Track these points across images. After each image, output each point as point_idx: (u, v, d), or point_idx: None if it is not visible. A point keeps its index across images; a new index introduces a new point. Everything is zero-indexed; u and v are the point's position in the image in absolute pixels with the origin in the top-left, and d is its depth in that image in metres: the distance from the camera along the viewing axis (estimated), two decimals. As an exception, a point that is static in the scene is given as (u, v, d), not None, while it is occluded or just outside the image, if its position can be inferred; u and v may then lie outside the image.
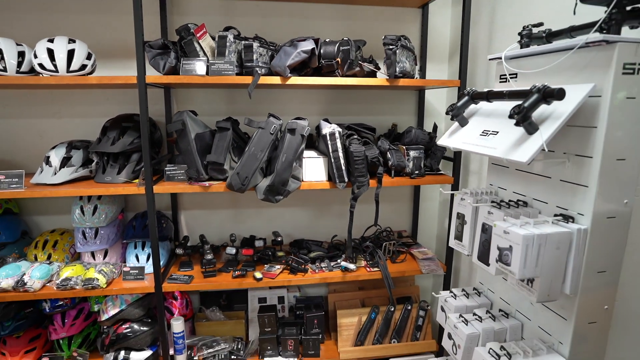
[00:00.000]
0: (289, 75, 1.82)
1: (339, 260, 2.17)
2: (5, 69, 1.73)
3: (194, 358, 2.12)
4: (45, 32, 2.09)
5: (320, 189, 2.04)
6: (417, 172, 2.03)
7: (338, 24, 2.34)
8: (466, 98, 1.50)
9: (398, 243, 2.32)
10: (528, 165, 1.42)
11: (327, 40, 1.91)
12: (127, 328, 2.04)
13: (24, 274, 1.91)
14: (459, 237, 1.60)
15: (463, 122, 1.52)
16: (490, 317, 1.53)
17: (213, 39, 1.89)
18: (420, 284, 2.58)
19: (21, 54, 1.79)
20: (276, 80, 1.82)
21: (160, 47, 1.82)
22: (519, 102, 1.17)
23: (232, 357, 2.15)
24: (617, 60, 1.09)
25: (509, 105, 1.30)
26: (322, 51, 1.86)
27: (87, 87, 2.20)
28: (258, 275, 2.03)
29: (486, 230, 1.40)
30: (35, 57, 1.74)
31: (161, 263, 2.00)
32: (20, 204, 2.27)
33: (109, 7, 2.15)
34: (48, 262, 2.04)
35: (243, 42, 1.84)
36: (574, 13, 1.22)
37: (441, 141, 1.60)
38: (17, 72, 1.77)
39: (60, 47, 1.77)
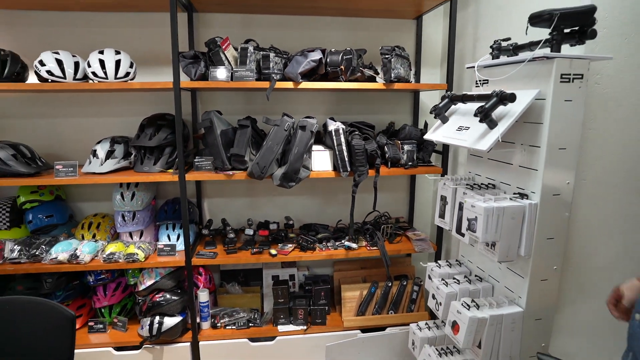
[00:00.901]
0: (301, 80, 2.15)
1: (342, 241, 2.49)
2: (64, 77, 2.08)
3: (217, 324, 2.46)
4: (94, 44, 2.43)
5: (327, 178, 2.35)
6: (410, 163, 2.35)
7: (343, 34, 2.67)
8: (446, 100, 1.82)
9: (395, 227, 2.64)
10: (496, 154, 1.74)
11: (333, 50, 2.24)
12: (160, 297, 2.37)
13: (76, 249, 2.26)
14: (442, 215, 1.92)
15: (444, 120, 1.84)
16: (467, 281, 1.85)
17: (235, 49, 2.23)
18: (415, 265, 2.90)
19: (76, 64, 2.14)
20: (289, 85, 2.15)
21: (192, 57, 2.16)
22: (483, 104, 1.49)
23: (250, 324, 2.48)
24: (555, 71, 1.41)
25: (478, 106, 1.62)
26: (328, 60, 2.19)
27: (131, 91, 2.54)
28: (273, 252, 2.36)
29: (461, 207, 1.72)
30: (89, 66, 2.09)
31: (190, 242, 2.34)
32: (67, 191, 2.62)
33: (145, 22, 2.48)
34: (94, 240, 2.39)
35: (261, 52, 2.18)
36: (526, 33, 1.53)
37: (427, 135, 1.93)
38: (74, 78, 2.11)
39: (109, 58, 2.11)
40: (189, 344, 2.36)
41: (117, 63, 2.13)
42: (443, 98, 1.85)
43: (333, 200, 2.85)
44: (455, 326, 1.60)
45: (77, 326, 2.39)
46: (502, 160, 1.71)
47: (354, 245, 2.41)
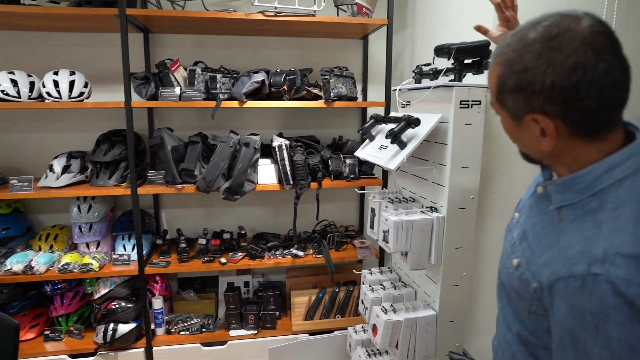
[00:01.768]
0: (245, 100, 2.29)
1: (291, 249, 2.63)
2: (19, 97, 2.19)
3: (171, 330, 2.57)
4: (52, 63, 2.53)
5: (279, 190, 2.48)
6: (352, 175, 2.51)
7: (293, 54, 2.82)
8: (372, 120, 1.98)
9: (343, 235, 2.79)
10: (416, 170, 1.90)
11: (277, 70, 2.39)
12: (115, 305, 2.48)
13: (31, 260, 2.35)
14: (372, 226, 2.08)
15: (371, 139, 2.00)
16: (393, 286, 2.01)
17: (185, 69, 2.36)
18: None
19: (31, 84, 2.25)
20: (235, 104, 2.30)
21: (142, 78, 2.29)
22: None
23: (203, 329, 2.60)
24: (455, 98, 1.58)
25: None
26: (271, 80, 2.34)
27: (84, 109, 2.66)
28: (223, 260, 2.49)
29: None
30: (44, 86, 2.20)
31: (144, 252, 2.45)
32: (26, 203, 2.72)
33: (102, 42, 2.60)
34: (50, 251, 2.49)
35: (209, 73, 2.32)
36: (433, 62, 1.70)
37: (356, 152, 2.09)
38: (29, 97, 2.22)
39: (63, 79, 2.23)
40: (143, 349, 2.47)
41: (72, 83, 2.24)
42: (370, 118, 2.01)
43: (284, 210, 3.00)
44: (374, 329, 1.75)
45: (33, 335, 2.49)
46: (420, 176, 1.87)
47: (300, 253, 2.56)
